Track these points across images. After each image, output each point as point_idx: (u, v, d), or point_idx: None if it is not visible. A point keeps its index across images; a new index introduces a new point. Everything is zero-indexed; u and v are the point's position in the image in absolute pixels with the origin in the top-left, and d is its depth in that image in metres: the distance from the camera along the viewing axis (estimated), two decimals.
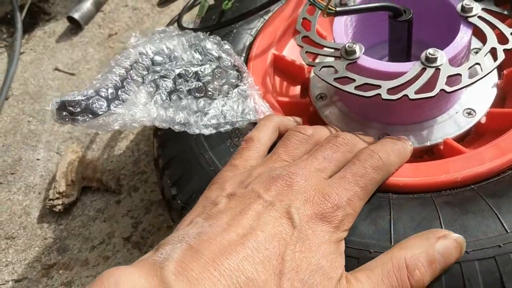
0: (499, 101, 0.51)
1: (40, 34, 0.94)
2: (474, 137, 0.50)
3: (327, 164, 0.39)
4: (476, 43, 0.53)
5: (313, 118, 0.55)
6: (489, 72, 0.43)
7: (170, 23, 0.64)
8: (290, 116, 0.49)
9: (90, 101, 0.43)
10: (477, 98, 0.50)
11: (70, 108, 0.43)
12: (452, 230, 0.37)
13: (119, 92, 0.45)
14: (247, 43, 0.58)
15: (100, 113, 0.44)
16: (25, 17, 0.95)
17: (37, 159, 0.74)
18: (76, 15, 0.90)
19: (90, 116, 0.43)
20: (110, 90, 0.45)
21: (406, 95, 0.42)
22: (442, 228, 0.38)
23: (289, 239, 0.33)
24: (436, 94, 0.42)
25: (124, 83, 0.46)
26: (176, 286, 0.29)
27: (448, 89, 0.42)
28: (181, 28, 0.57)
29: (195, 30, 0.56)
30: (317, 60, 0.56)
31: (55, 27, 0.95)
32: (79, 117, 0.43)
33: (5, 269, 0.63)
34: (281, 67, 0.57)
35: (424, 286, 0.34)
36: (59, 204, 0.66)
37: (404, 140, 0.44)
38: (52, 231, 0.66)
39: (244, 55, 0.57)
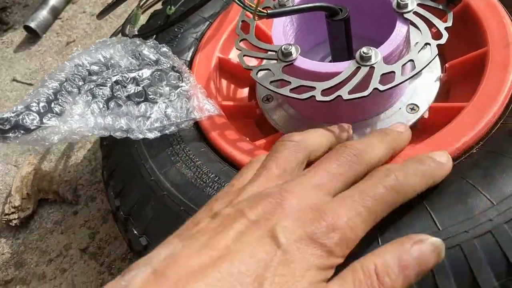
0: (443, 95, 0.51)
1: None
2: (419, 132, 0.50)
3: (329, 180, 0.35)
4: (418, 36, 0.52)
5: (261, 120, 0.54)
6: (421, 70, 0.42)
7: (113, 34, 0.63)
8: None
9: (20, 116, 0.42)
10: (420, 93, 0.50)
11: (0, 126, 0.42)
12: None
13: (52, 105, 0.45)
14: (192, 47, 0.57)
15: (32, 128, 0.43)
16: None
17: None
18: (32, 24, 0.89)
19: (22, 132, 0.43)
20: (41, 104, 0.44)
21: (340, 96, 0.42)
22: None
23: (269, 260, 0.30)
24: (370, 94, 0.42)
25: (58, 96, 0.45)
26: None
27: (382, 87, 0.42)
28: (125, 36, 0.56)
29: (138, 36, 0.56)
30: (264, 62, 0.56)
31: (13, 37, 0.93)
32: (10, 134, 0.42)
33: None
34: (228, 70, 0.57)
35: None
36: (15, 219, 0.65)
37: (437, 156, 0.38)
38: (9, 246, 0.65)
39: (188, 59, 0.56)
